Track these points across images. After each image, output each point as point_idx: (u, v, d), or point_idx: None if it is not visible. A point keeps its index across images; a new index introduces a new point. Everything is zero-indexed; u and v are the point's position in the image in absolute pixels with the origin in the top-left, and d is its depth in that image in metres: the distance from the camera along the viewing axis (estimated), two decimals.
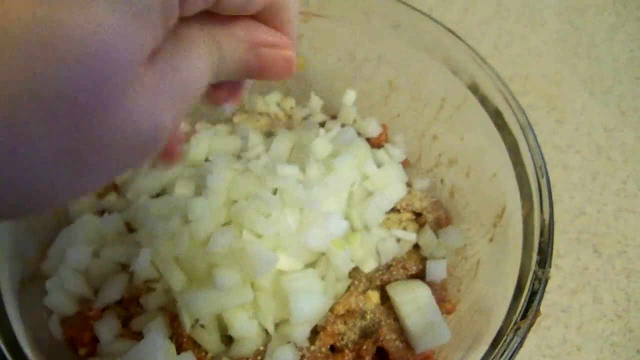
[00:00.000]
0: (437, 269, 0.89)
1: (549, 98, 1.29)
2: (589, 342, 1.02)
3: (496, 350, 0.71)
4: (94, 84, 0.32)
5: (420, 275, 0.90)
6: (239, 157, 0.93)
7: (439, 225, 0.94)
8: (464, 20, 1.43)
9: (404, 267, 0.88)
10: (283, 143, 0.92)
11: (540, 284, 0.73)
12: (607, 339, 1.03)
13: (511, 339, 0.71)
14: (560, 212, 1.13)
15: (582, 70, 1.34)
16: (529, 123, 0.84)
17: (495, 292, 0.81)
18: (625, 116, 1.28)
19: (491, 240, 0.87)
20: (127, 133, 0.35)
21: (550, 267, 0.74)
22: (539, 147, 0.82)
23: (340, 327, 0.82)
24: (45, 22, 0.29)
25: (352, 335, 0.83)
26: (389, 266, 0.89)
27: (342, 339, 0.82)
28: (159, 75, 0.38)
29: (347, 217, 0.89)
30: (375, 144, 1.01)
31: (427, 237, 0.92)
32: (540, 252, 0.75)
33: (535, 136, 0.83)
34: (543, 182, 0.79)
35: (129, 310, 0.83)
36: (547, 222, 0.76)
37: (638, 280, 1.08)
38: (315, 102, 1.07)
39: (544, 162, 0.81)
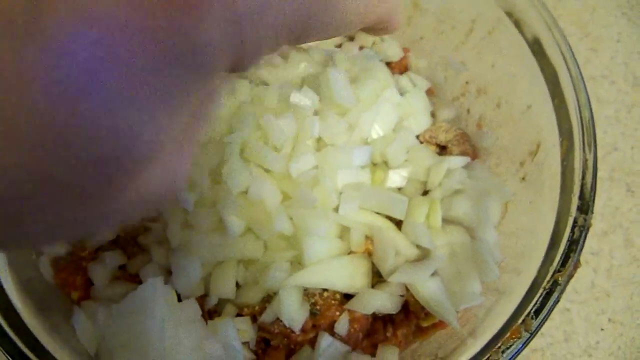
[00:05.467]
0: None
1: (582, 24, 1.18)
2: (618, 288, 0.96)
3: (531, 305, 0.64)
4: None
5: None
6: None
7: None
8: None
9: None
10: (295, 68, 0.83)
11: (581, 232, 0.65)
12: (638, 284, 0.96)
13: (547, 293, 0.64)
14: None
15: None
16: (571, 52, 0.74)
17: (528, 238, 0.74)
18: None
19: (523, 179, 0.79)
20: (144, 197, 0.35)
21: (592, 213, 0.66)
22: (582, 77, 0.73)
23: None
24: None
25: None
26: None
27: None
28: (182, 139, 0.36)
29: None
30: (397, 69, 0.92)
31: None
32: (582, 197, 0.67)
33: (578, 66, 0.74)
34: (586, 116, 0.71)
35: (126, 250, 0.76)
36: (590, 162, 0.68)
37: None
38: None
39: (588, 94, 0.72)
